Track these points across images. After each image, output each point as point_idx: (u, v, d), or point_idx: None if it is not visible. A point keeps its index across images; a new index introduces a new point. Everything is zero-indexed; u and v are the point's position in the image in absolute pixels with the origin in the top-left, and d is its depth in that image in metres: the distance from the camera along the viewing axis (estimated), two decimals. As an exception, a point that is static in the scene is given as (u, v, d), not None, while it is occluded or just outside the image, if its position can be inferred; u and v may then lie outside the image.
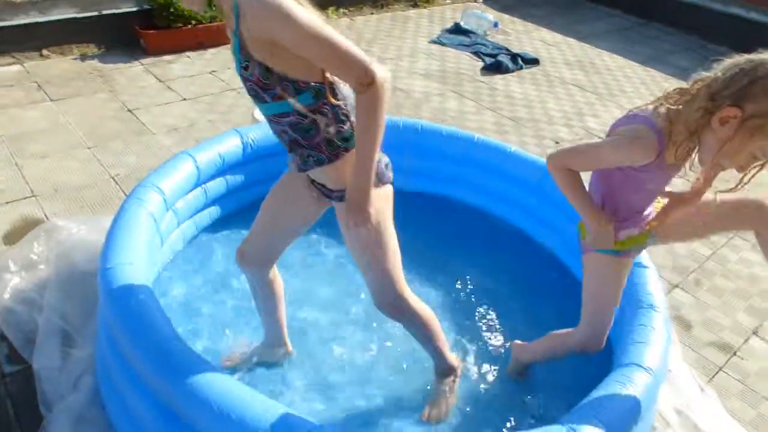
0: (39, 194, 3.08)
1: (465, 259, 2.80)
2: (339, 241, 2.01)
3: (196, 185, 2.64)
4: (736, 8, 6.40)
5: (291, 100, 1.53)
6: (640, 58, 5.92)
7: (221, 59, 4.82)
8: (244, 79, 1.56)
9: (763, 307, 2.91)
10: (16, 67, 4.40)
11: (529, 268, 2.81)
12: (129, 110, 3.97)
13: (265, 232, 1.95)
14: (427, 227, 2.90)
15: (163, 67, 4.63)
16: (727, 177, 1.63)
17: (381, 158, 1.73)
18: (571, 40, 6.23)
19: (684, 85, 1.58)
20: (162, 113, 3.97)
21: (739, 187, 1.56)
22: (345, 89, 1.60)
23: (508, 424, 2.08)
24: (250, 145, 2.78)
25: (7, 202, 3.00)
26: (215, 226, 2.84)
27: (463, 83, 4.97)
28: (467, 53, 5.59)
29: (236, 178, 2.83)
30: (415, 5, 6.76)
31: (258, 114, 3.13)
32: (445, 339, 2.06)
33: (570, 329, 2.02)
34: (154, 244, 2.28)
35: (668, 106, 1.57)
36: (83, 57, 4.66)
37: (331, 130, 1.61)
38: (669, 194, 1.80)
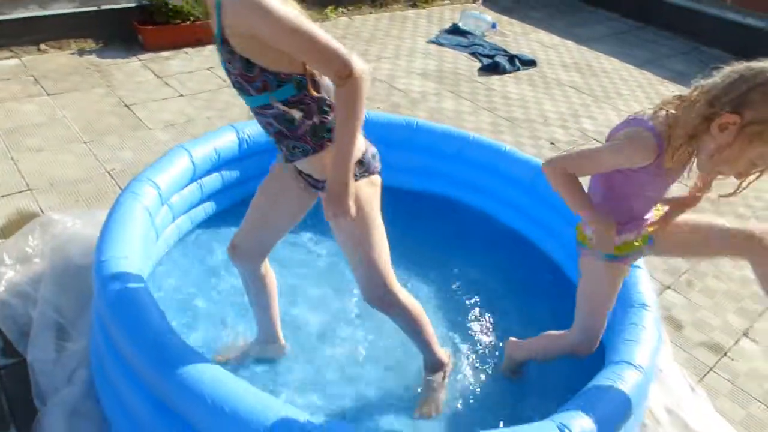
0: (34, 188, 3.08)
1: (461, 259, 2.82)
2: (332, 236, 2.02)
3: (192, 180, 2.65)
4: (732, 13, 6.44)
5: (270, 96, 1.56)
6: (636, 61, 5.95)
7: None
8: (229, 73, 1.59)
9: (754, 308, 2.94)
10: (13, 61, 4.39)
11: (524, 268, 2.82)
12: (126, 105, 3.96)
13: (256, 226, 1.96)
14: (425, 227, 2.92)
15: (161, 62, 4.63)
16: (726, 181, 1.64)
17: (368, 148, 1.75)
18: (569, 43, 6.25)
19: (681, 89, 1.59)
20: (159, 109, 3.97)
21: (738, 192, 1.58)
22: (327, 80, 1.61)
23: (501, 422, 2.09)
24: (246, 140, 2.80)
25: (2, 196, 2.99)
26: (210, 221, 2.85)
27: (460, 83, 4.99)
28: (465, 54, 5.60)
29: (232, 174, 2.84)
30: (413, 5, 6.77)
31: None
32: (434, 334, 2.07)
33: (564, 331, 2.04)
34: (149, 238, 2.28)
35: (667, 111, 1.58)
36: (81, 52, 4.65)
37: (315, 120, 1.63)
38: (669, 201, 1.81)
